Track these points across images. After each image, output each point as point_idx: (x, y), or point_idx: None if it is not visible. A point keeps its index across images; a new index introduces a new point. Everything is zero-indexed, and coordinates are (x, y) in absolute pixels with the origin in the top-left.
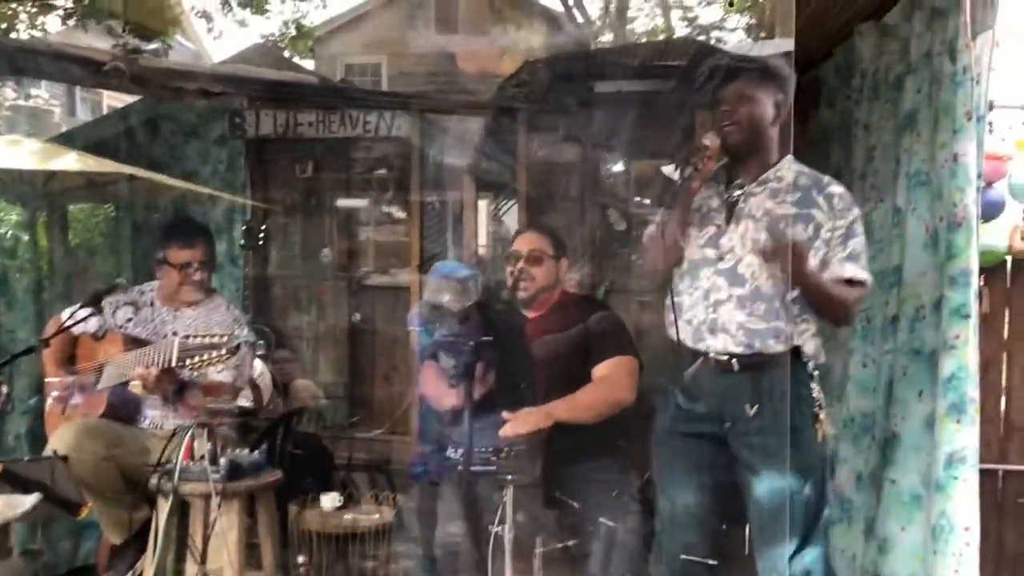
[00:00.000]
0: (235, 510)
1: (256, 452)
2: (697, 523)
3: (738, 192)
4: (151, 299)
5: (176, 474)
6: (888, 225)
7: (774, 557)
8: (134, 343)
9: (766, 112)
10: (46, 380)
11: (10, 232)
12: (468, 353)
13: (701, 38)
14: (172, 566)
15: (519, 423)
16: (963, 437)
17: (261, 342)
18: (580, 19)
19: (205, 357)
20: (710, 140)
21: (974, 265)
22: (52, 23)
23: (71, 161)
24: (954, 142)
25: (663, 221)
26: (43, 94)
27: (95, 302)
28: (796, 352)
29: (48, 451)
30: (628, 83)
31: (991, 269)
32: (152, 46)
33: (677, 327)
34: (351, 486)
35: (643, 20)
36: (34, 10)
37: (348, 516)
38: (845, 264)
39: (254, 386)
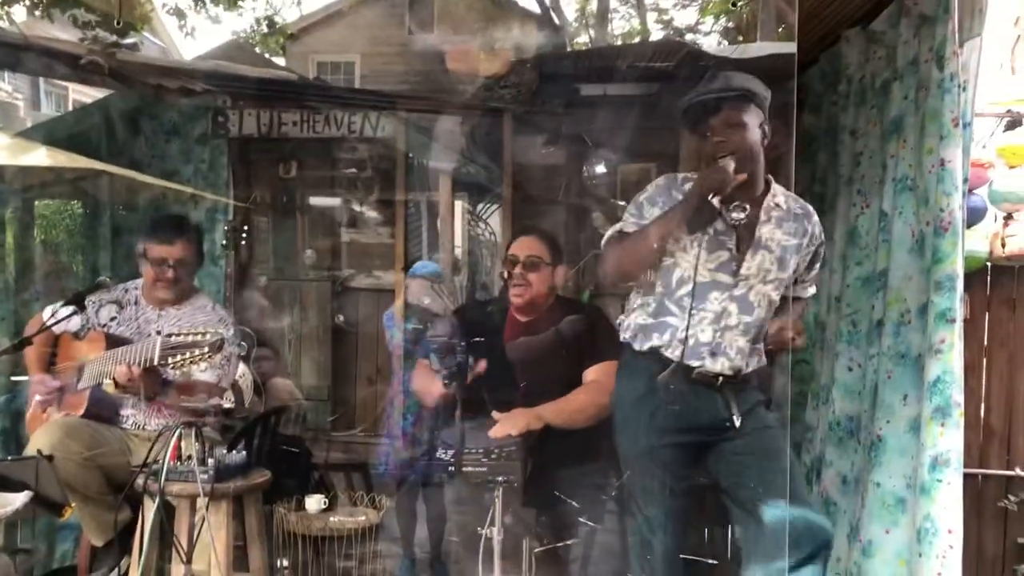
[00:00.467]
0: (223, 511)
1: (241, 452)
2: (668, 534)
3: (742, 215)
4: (135, 297)
5: (163, 475)
6: (874, 230)
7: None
8: (117, 342)
9: (756, 132)
10: (30, 379)
11: None
12: (458, 355)
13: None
14: (157, 566)
15: (509, 423)
16: (947, 440)
17: (243, 343)
18: (557, 21)
19: (187, 356)
20: (728, 165)
21: (960, 270)
22: (19, 13)
23: (40, 156)
24: (941, 148)
25: (650, 228)
26: (6, 87)
27: (78, 301)
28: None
29: (30, 451)
30: (615, 85)
31: (971, 275)
32: (130, 40)
33: (687, 338)
34: (330, 486)
35: (620, 22)
36: None
37: (334, 518)
38: (808, 288)
39: (235, 387)
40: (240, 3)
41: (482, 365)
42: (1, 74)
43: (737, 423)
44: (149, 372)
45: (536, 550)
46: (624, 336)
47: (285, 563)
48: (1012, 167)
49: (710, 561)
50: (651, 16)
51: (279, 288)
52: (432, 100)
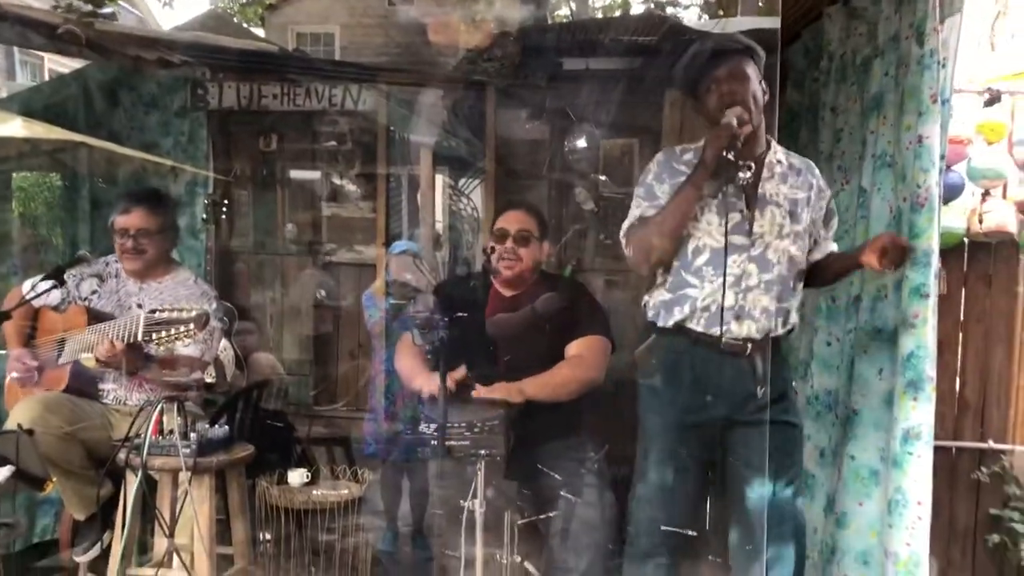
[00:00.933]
0: (206, 485)
1: (224, 427)
2: (677, 510)
3: (748, 173)
4: (116, 270)
5: (144, 449)
6: (854, 206)
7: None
8: (98, 317)
9: (758, 87)
10: (7, 354)
11: None
12: (440, 330)
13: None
14: (139, 540)
15: (489, 390)
16: (919, 414)
17: (225, 318)
18: None
19: (172, 332)
20: (735, 118)
21: (935, 246)
22: None
23: (16, 127)
24: (919, 124)
25: (671, 206)
26: None
27: (57, 274)
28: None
29: (10, 426)
30: (598, 59)
31: (949, 251)
32: (107, 10)
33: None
34: (312, 461)
35: None
36: None
37: (316, 492)
38: (831, 243)
39: (216, 361)
40: None
41: (461, 372)
42: None
43: (760, 393)
44: (131, 347)
45: (518, 523)
46: (648, 315)
47: (268, 537)
48: (990, 143)
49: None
50: None
51: (260, 262)
52: (414, 73)
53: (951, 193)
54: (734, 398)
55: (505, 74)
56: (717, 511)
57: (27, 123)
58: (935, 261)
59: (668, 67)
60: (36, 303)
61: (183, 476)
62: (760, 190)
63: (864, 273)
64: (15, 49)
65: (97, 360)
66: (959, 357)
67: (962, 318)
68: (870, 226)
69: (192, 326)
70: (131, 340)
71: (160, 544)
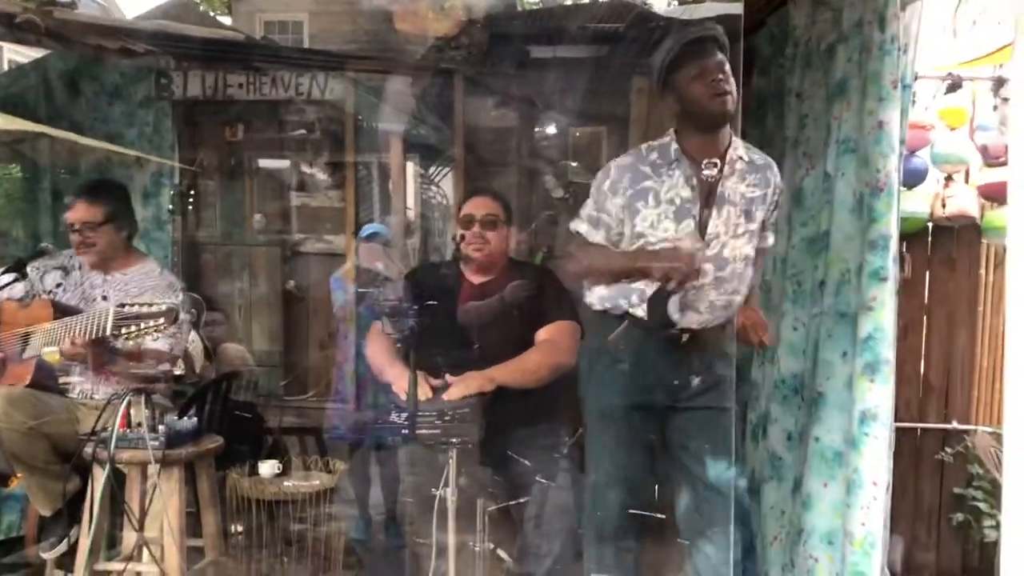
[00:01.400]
0: (175, 478)
1: (192, 419)
2: (629, 490)
3: (714, 171)
4: (80, 263)
5: (112, 443)
6: (819, 191)
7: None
8: (63, 310)
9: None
10: None
11: None
12: (411, 317)
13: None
14: (108, 534)
15: (462, 386)
16: (876, 395)
17: (193, 310)
18: None
19: (142, 326)
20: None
21: (894, 230)
22: None
23: None
24: (880, 110)
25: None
26: None
27: (19, 267)
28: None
29: None
30: (566, 47)
31: (913, 235)
32: None
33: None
34: (283, 451)
35: None
36: None
37: (287, 483)
38: (769, 236)
39: (186, 353)
40: None
41: (438, 381)
42: None
43: (695, 382)
44: (98, 342)
45: (489, 509)
46: (589, 300)
47: (239, 528)
48: (952, 129)
49: (659, 516)
50: None
51: (228, 253)
52: (381, 61)
53: (915, 178)
54: (670, 384)
55: (473, 62)
56: (662, 494)
57: None
58: (893, 245)
59: (636, 54)
60: None
61: (152, 469)
62: (720, 188)
63: (828, 257)
64: None
65: (62, 354)
66: (923, 340)
67: (926, 301)
68: (834, 211)
69: (162, 320)
70: (100, 334)
71: (129, 538)
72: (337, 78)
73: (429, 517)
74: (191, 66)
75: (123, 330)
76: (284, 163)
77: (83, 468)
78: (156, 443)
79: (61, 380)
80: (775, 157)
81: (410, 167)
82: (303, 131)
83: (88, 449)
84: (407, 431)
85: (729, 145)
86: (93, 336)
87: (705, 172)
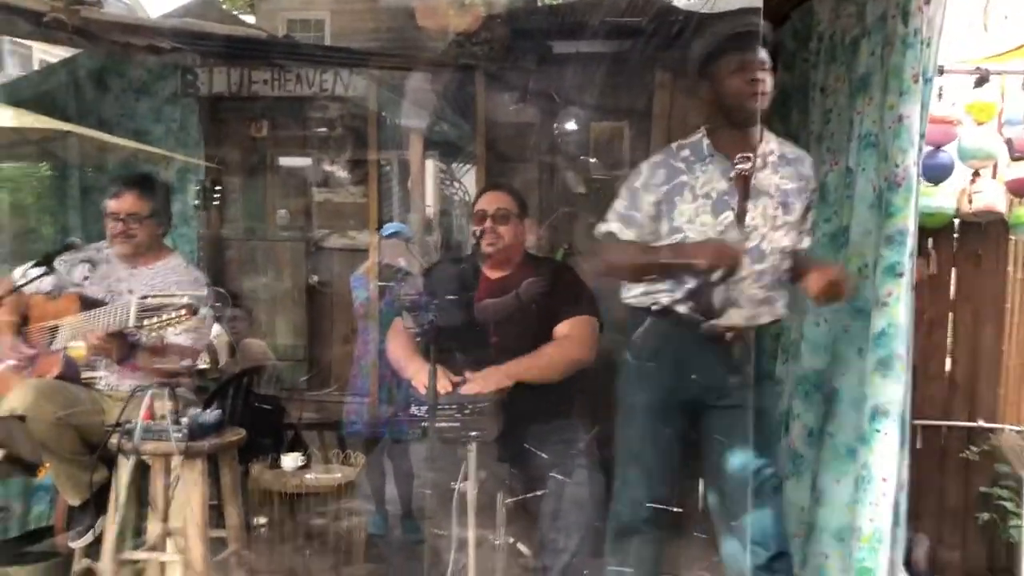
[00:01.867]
0: (198, 469)
1: (215, 411)
2: (658, 486)
3: (747, 164)
4: (107, 256)
5: (136, 434)
6: (841, 187)
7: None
8: (90, 303)
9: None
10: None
11: None
12: (430, 312)
13: None
14: (133, 525)
15: (481, 382)
16: (888, 391)
17: (217, 304)
18: None
19: (164, 318)
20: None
21: (911, 225)
22: None
23: (7, 118)
24: (901, 104)
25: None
26: None
27: (47, 262)
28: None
29: (2, 412)
30: (588, 42)
31: (939, 231)
32: None
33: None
34: (305, 445)
35: None
36: None
37: (309, 476)
38: (805, 238)
39: (209, 347)
40: None
41: (459, 379)
42: None
43: (735, 379)
44: (120, 336)
45: (505, 502)
46: (626, 297)
47: (262, 521)
48: (980, 124)
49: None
50: None
51: (252, 248)
52: (403, 57)
53: (941, 173)
54: (711, 381)
55: (494, 57)
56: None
57: (16, 113)
58: (910, 241)
59: (658, 49)
60: (27, 290)
61: (175, 461)
62: (753, 180)
63: (847, 252)
64: (4, 40)
65: (88, 348)
66: (949, 337)
67: (952, 298)
68: (854, 207)
69: (183, 312)
70: (123, 326)
71: (154, 528)
72: (360, 75)
73: (449, 511)
74: (216, 63)
75: (145, 322)
76: (308, 159)
77: (110, 459)
78: (179, 435)
79: (88, 374)
80: None
81: (431, 163)
82: (326, 128)
83: (113, 440)
84: (426, 425)
85: (761, 139)
86: (116, 328)
87: (739, 166)
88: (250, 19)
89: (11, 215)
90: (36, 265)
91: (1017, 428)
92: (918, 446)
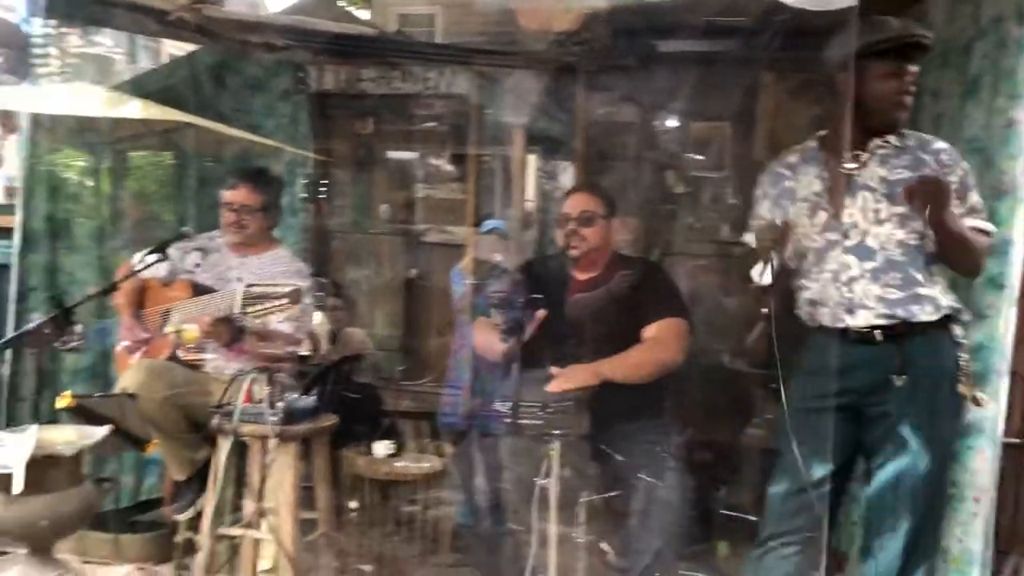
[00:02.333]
0: (291, 452)
1: (311, 397)
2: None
3: (856, 164)
4: (219, 245)
5: (236, 416)
6: None
7: (889, 539)
8: (200, 289)
9: None
10: (118, 323)
11: (76, 178)
12: (517, 309)
13: None
14: (230, 502)
15: (566, 379)
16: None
17: (320, 294)
18: None
19: (268, 306)
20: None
21: (1017, 236)
22: None
23: (135, 109)
24: (1011, 108)
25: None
26: (106, 42)
27: (161, 249)
28: (944, 318)
29: (118, 390)
30: (690, 41)
31: None
32: None
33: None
34: (400, 434)
35: None
36: None
37: (399, 463)
38: (968, 219)
39: (311, 335)
40: None
41: (540, 314)
42: (100, 30)
43: (898, 382)
44: (229, 321)
45: (581, 500)
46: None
47: (354, 505)
48: None
49: None
50: None
51: (355, 241)
52: (507, 55)
53: None
54: (868, 386)
55: (595, 56)
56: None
57: (143, 104)
58: (1016, 252)
59: (765, 48)
60: (144, 275)
61: (271, 443)
62: (855, 176)
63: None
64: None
65: (200, 332)
66: None
67: None
68: None
69: (286, 300)
70: (230, 312)
71: (249, 506)
72: (462, 72)
73: (531, 507)
74: (326, 61)
75: (250, 309)
76: (410, 155)
77: (213, 438)
78: (274, 419)
79: (197, 356)
80: None
81: (532, 160)
82: (429, 124)
83: (215, 421)
84: (509, 420)
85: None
86: (224, 314)
87: (848, 166)
88: (367, 13)
89: (136, 202)
90: (152, 252)
91: None
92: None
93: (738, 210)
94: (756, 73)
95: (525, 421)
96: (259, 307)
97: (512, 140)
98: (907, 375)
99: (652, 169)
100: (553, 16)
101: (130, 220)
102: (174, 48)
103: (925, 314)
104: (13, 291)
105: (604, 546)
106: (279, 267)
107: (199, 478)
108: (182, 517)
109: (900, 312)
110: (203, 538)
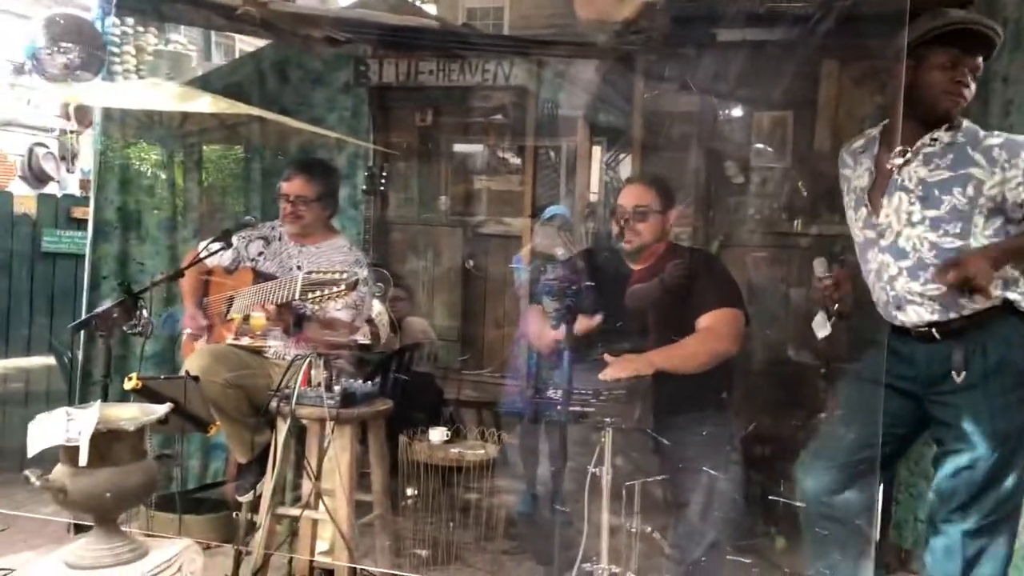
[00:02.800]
0: (347, 435)
1: (370, 383)
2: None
3: (900, 160)
4: (280, 234)
5: (294, 399)
6: None
7: (952, 532)
8: (262, 277)
9: None
10: (184, 308)
11: (150, 170)
12: (570, 297)
13: None
14: (290, 482)
15: (619, 367)
16: None
17: (380, 284)
18: None
19: (326, 292)
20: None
21: None
22: None
23: (205, 103)
24: None
25: None
26: (181, 39)
27: (226, 237)
28: (1007, 310)
29: (181, 373)
30: (749, 29)
31: None
32: None
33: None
34: (459, 422)
35: None
36: None
37: (455, 450)
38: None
39: (371, 324)
40: None
41: (596, 320)
42: (177, 28)
43: (958, 379)
44: (288, 307)
45: (625, 485)
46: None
47: (413, 491)
48: None
49: None
50: None
51: (414, 232)
52: (567, 46)
53: None
54: (928, 379)
55: (653, 47)
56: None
57: (213, 99)
58: None
59: (826, 37)
60: (209, 262)
61: (328, 426)
62: (896, 174)
63: None
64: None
65: (267, 319)
66: None
67: None
68: None
69: (343, 287)
70: (290, 298)
71: (307, 487)
72: (521, 64)
73: (590, 495)
74: (386, 54)
75: (309, 295)
76: (469, 147)
77: (274, 422)
78: (331, 402)
79: (261, 343)
80: None
81: (595, 150)
82: (487, 116)
83: (274, 404)
84: (561, 408)
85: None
86: (284, 300)
87: (892, 160)
88: (432, 8)
89: (204, 194)
90: (216, 240)
91: None
92: None
93: (800, 200)
94: (818, 60)
95: (577, 408)
96: (317, 293)
97: (572, 131)
98: (969, 369)
99: (712, 159)
100: (611, 6)
101: (198, 211)
102: (246, 44)
103: (973, 303)
104: (86, 279)
105: (656, 535)
106: (337, 256)
107: (262, 461)
108: (244, 498)
109: (948, 305)
110: (262, 518)
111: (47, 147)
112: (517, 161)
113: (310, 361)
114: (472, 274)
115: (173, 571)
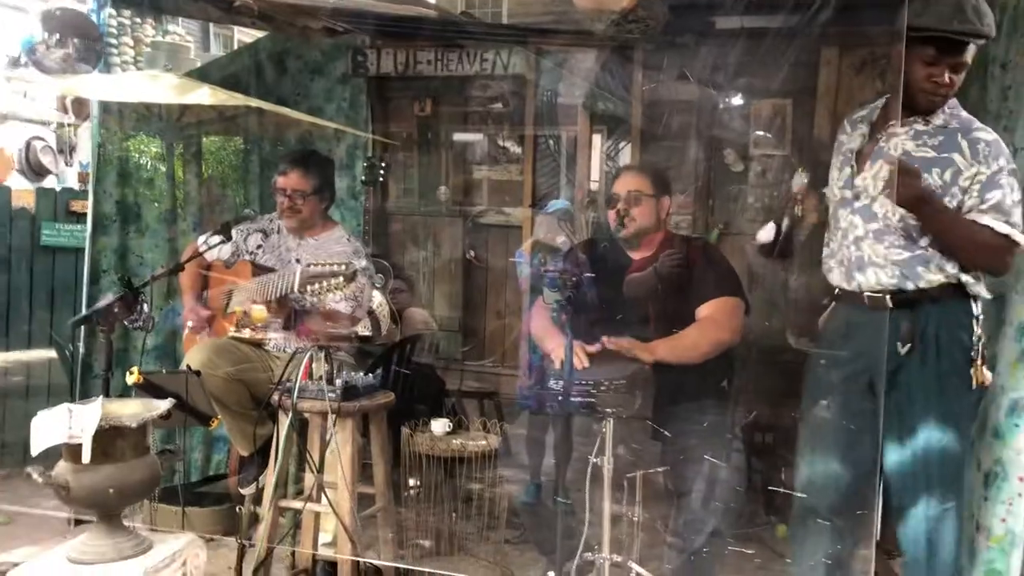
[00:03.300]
0: (349, 428)
1: (371, 375)
2: (834, 478)
3: (894, 132)
4: (279, 226)
5: (295, 392)
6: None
7: (912, 513)
8: (261, 270)
9: None
10: (184, 303)
11: (149, 163)
12: (571, 288)
13: None
14: (293, 475)
15: (616, 343)
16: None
17: (380, 275)
18: None
19: (325, 284)
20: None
21: None
22: None
23: (204, 95)
24: None
25: None
26: (179, 31)
27: (225, 230)
28: (960, 291)
29: (182, 367)
30: (748, 16)
31: None
32: None
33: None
34: (461, 413)
35: None
36: None
37: (457, 441)
38: (981, 216)
39: (372, 316)
40: None
41: (594, 348)
42: (174, 20)
43: (902, 351)
44: (287, 299)
45: (627, 476)
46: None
47: (416, 483)
48: None
49: None
50: None
51: (414, 223)
52: (564, 35)
53: None
54: (875, 353)
55: (650, 36)
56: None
57: (211, 90)
58: None
59: (825, 24)
60: (208, 256)
61: (329, 419)
62: (881, 143)
63: None
64: (210, 24)
65: (268, 312)
66: None
67: None
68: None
69: (341, 279)
70: (288, 291)
71: (310, 479)
72: (519, 53)
73: (592, 485)
74: (384, 44)
75: (308, 287)
76: (468, 137)
77: (275, 414)
78: (332, 395)
79: (261, 335)
80: None
81: (597, 139)
82: (487, 105)
83: (275, 397)
84: (561, 399)
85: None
86: (282, 293)
87: (881, 133)
88: None
89: (203, 186)
90: (215, 233)
91: None
92: None
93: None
94: (817, 48)
95: (577, 399)
96: (316, 285)
97: (572, 120)
98: (915, 344)
99: (711, 147)
100: None
101: (197, 203)
102: (245, 35)
103: (931, 274)
104: (86, 273)
105: (657, 526)
106: (337, 247)
107: (264, 453)
108: (246, 491)
109: (907, 273)
110: (264, 510)
111: (45, 140)
112: (517, 150)
113: (311, 355)
114: (473, 264)
115: (176, 566)
